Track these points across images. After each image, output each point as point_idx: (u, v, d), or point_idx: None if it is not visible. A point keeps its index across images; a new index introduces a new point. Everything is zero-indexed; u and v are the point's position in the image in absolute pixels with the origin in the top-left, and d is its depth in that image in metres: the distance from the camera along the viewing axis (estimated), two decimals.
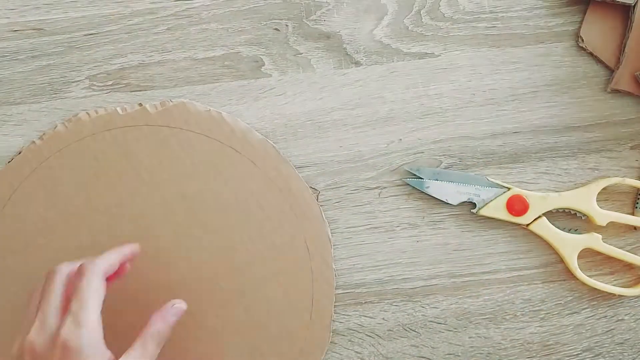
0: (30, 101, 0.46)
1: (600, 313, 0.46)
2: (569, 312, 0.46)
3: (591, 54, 0.47)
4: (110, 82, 0.46)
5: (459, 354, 0.46)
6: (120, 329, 0.38)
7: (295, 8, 0.47)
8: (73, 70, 0.46)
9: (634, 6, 0.46)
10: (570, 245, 0.45)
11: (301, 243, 0.45)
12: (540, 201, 0.45)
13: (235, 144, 0.45)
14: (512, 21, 0.47)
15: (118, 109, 0.45)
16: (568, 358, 0.46)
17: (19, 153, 0.45)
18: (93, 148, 0.45)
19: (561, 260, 0.46)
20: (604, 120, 0.47)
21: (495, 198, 0.45)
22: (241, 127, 0.45)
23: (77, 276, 0.36)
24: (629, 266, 0.46)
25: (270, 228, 0.45)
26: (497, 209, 0.45)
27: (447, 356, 0.46)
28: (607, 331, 0.46)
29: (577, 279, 0.45)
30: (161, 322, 0.38)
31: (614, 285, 0.46)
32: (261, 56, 0.47)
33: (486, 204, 0.45)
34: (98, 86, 0.46)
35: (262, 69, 0.47)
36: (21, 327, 0.36)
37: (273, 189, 0.45)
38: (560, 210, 0.45)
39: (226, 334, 0.44)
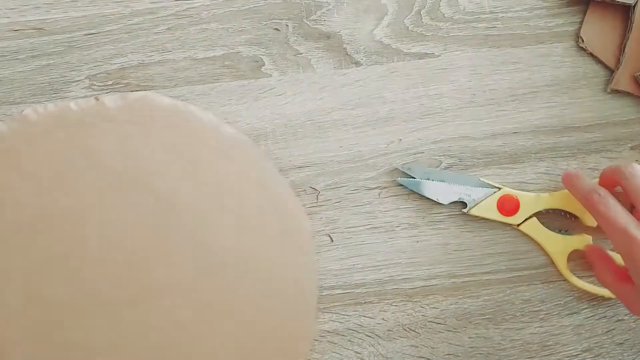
0: (30, 101, 0.46)
1: (600, 313, 0.46)
2: (568, 312, 0.46)
3: (591, 55, 0.47)
4: (110, 82, 0.46)
5: (459, 354, 0.45)
6: (95, 342, 0.36)
7: (295, 8, 0.47)
8: (73, 70, 0.46)
9: (634, 6, 0.46)
10: (560, 246, 0.45)
11: (283, 237, 0.42)
12: (531, 201, 0.45)
13: (207, 137, 0.42)
14: (512, 21, 0.47)
15: (71, 103, 0.41)
16: (568, 358, 0.46)
17: None
18: (45, 149, 0.40)
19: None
20: (603, 120, 0.47)
21: (486, 198, 0.45)
22: (211, 120, 0.42)
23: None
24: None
25: (249, 225, 0.42)
26: (487, 209, 0.45)
27: (446, 356, 0.45)
28: (607, 331, 0.46)
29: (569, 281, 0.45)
30: None
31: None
32: (261, 56, 0.47)
33: (477, 203, 0.45)
34: (98, 86, 0.46)
35: (262, 69, 0.47)
36: None
37: (249, 184, 0.42)
38: (551, 211, 0.45)
39: (211, 336, 0.41)
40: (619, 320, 0.46)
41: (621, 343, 0.46)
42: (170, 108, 0.42)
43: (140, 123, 0.41)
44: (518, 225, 0.45)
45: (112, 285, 0.39)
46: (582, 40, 0.47)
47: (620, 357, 0.46)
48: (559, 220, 0.46)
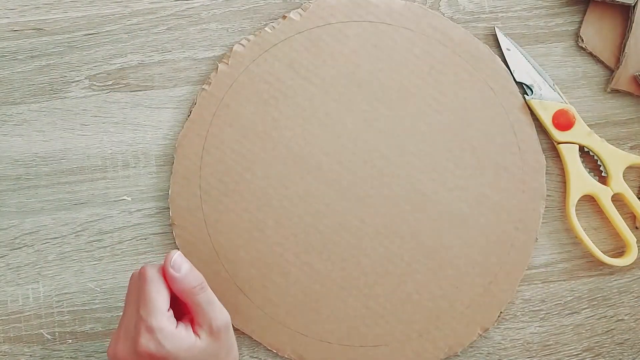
0: (30, 101, 0.46)
1: (600, 313, 0.46)
2: (568, 312, 0.46)
3: (591, 54, 0.47)
4: (110, 82, 0.46)
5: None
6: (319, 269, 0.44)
7: (294, 8, 0.47)
8: (73, 70, 0.46)
9: (634, 6, 0.46)
10: (580, 183, 0.45)
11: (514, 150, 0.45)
12: (583, 132, 0.45)
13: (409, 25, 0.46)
14: (512, 21, 0.47)
15: (266, 28, 0.46)
16: (568, 358, 0.46)
17: (194, 104, 0.45)
18: (258, 73, 0.45)
19: (562, 260, 0.46)
20: (603, 120, 0.47)
21: (551, 101, 0.45)
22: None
23: (140, 280, 0.36)
24: (618, 236, 0.46)
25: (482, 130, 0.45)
26: (544, 110, 0.45)
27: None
28: (607, 331, 0.46)
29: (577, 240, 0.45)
30: (184, 294, 0.36)
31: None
32: None
33: (541, 100, 0.45)
34: (98, 86, 0.46)
35: None
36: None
37: (480, 85, 0.45)
38: (591, 154, 0.46)
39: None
40: (619, 320, 0.46)
41: (621, 343, 0.46)
42: (349, 2, 0.46)
43: (329, 24, 0.46)
44: (559, 142, 0.45)
45: (355, 182, 0.45)
46: (582, 40, 0.47)
47: (621, 357, 0.46)
48: (592, 165, 0.46)
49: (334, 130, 0.45)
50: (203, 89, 0.45)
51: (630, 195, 0.45)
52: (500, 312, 0.45)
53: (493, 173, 0.45)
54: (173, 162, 0.45)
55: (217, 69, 0.45)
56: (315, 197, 0.45)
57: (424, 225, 0.45)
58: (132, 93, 0.46)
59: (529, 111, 0.46)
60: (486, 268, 0.45)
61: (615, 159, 0.45)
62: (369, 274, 0.44)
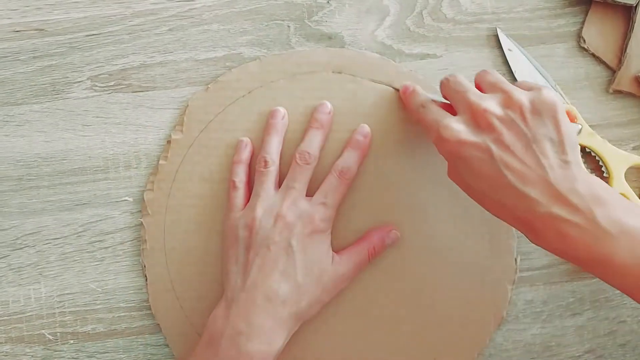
0: (32, 102, 0.46)
1: (602, 315, 0.46)
2: (570, 313, 0.46)
3: (593, 55, 0.47)
4: (112, 83, 0.46)
5: None
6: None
7: (297, 9, 0.47)
8: (75, 71, 0.46)
9: (636, 7, 0.46)
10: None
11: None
12: (585, 132, 0.45)
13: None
14: (514, 22, 0.47)
15: (161, 160, 0.45)
16: (570, 359, 0.46)
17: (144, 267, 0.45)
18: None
19: (564, 262, 0.46)
20: (605, 121, 0.47)
21: None
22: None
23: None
24: None
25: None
26: None
27: None
28: (609, 333, 0.46)
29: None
30: (378, 240, 0.43)
31: None
32: (263, 57, 0.47)
33: None
34: (100, 87, 0.46)
35: None
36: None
37: None
38: (593, 155, 0.45)
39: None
40: (621, 321, 0.46)
41: (623, 344, 0.46)
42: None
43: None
44: None
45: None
46: (584, 41, 0.47)
47: (623, 359, 0.46)
48: (593, 164, 0.46)
49: None
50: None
51: (632, 195, 0.45)
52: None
53: None
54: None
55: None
56: None
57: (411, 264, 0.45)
58: (133, 94, 0.46)
59: None
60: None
61: (617, 159, 0.45)
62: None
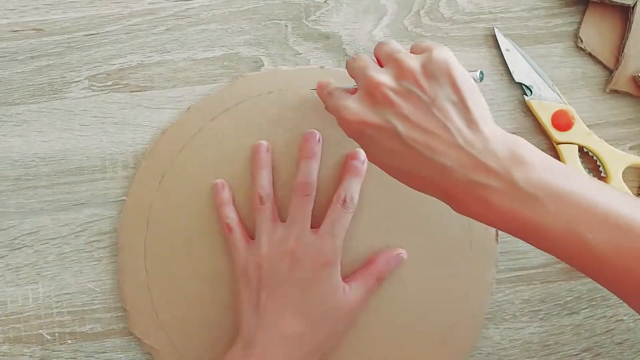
0: (29, 101, 0.46)
1: (600, 313, 0.46)
2: (568, 312, 0.46)
3: (590, 55, 0.47)
4: (109, 83, 0.46)
5: None
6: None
7: (294, 8, 0.47)
8: (72, 71, 0.46)
9: (633, 7, 0.46)
10: None
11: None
12: (582, 132, 0.45)
13: None
14: (511, 22, 0.47)
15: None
16: (567, 358, 0.46)
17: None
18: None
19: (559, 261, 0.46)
20: (602, 120, 0.47)
21: (551, 102, 0.45)
22: None
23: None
24: None
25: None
26: (544, 110, 0.45)
27: None
28: (606, 331, 0.46)
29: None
30: (384, 264, 0.43)
31: None
32: (260, 57, 0.47)
33: (540, 100, 0.45)
34: (97, 86, 0.46)
35: (261, 70, 0.47)
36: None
37: None
38: (591, 155, 0.46)
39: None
40: (618, 320, 0.46)
41: (620, 343, 0.46)
42: None
43: None
44: (558, 143, 0.45)
45: None
46: (581, 41, 0.47)
47: (620, 357, 0.46)
48: (591, 165, 0.46)
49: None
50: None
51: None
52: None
53: None
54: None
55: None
56: None
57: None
58: (131, 93, 0.46)
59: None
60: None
61: (615, 159, 0.45)
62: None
